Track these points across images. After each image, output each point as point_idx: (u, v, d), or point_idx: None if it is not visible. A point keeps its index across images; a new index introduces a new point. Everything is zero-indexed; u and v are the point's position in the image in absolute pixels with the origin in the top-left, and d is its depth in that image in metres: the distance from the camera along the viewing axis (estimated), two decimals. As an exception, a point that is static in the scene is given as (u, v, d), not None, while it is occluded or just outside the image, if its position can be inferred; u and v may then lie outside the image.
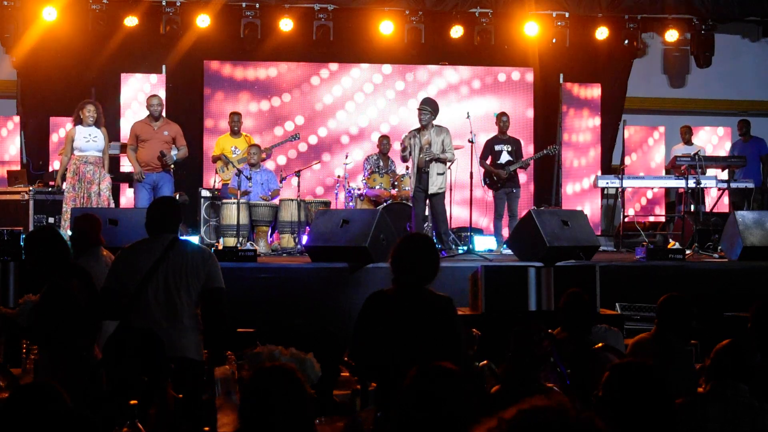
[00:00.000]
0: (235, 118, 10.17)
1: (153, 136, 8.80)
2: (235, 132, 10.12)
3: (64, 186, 8.36)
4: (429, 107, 8.97)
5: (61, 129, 10.91)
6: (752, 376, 3.50)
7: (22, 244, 7.08)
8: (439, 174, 8.83)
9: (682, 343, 4.44)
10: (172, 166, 8.93)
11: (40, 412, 2.50)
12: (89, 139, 8.34)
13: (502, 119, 10.12)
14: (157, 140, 8.81)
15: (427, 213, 9.25)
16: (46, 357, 4.31)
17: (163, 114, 9.12)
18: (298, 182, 9.87)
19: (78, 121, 8.40)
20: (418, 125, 9.07)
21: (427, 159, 8.80)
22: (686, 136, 11.43)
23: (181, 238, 4.51)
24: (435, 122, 8.99)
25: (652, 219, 11.76)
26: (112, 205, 8.52)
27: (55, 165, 10.63)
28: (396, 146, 10.60)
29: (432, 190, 8.80)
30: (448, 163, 8.99)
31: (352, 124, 11.89)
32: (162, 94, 11.11)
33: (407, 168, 10.32)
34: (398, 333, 3.68)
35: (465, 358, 3.79)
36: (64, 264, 4.45)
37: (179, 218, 4.59)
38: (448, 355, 3.46)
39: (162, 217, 4.51)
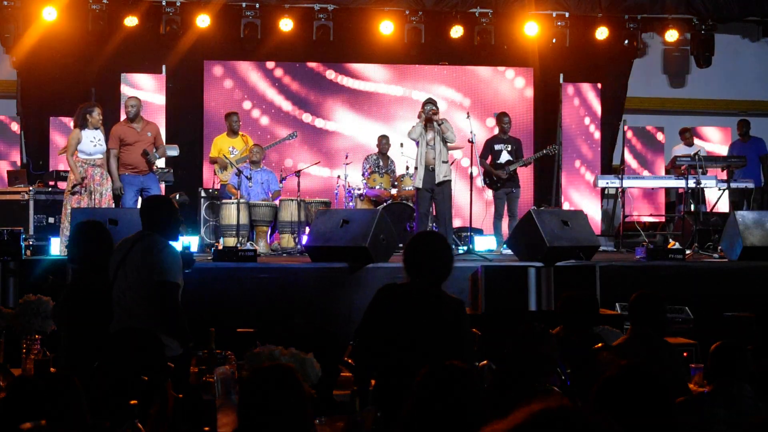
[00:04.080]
0: (234, 118, 10.15)
1: (138, 138, 8.66)
2: (234, 132, 10.11)
3: (70, 188, 8.24)
4: (434, 105, 9.01)
5: (60, 130, 10.92)
6: (751, 376, 3.50)
7: (22, 243, 7.07)
8: (443, 162, 8.83)
9: (659, 338, 4.44)
10: (156, 164, 8.84)
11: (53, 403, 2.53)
12: (95, 143, 8.30)
13: (503, 120, 10.11)
14: (143, 142, 8.68)
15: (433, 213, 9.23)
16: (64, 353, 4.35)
17: (141, 114, 8.95)
18: (298, 182, 9.86)
19: (83, 125, 8.29)
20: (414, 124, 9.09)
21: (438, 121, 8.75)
22: (689, 138, 11.37)
23: (156, 234, 4.53)
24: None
25: (651, 218, 11.75)
26: (112, 206, 8.49)
27: (60, 166, 10.60)
28: (395, 146, 10.60)
29: (438, 179, 8.78)
30: (451, 154, 8.99)
31: (351, 123, 11.89)
32: (162, 93, 11.15)
33: (407, 168, 10.33)
34: (408, 331, 3.67)
35: (471, 361, 3.79)
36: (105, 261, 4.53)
37: (157, 215, 4.59)
38: (454, 357, 3.46)
39: (142, 215, 4.62)
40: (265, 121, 11.74)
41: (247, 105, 11.65)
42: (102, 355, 4.06)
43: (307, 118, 11.81)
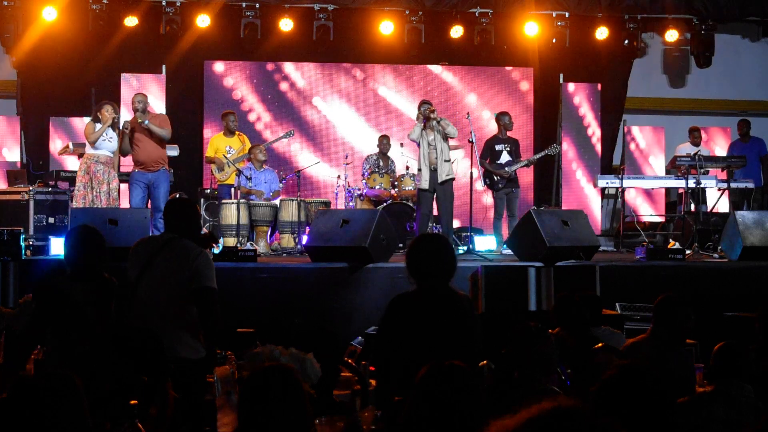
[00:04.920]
0: (231, 118, 10.14)
1: (146, 134, 8.68)
2: (231, 132, 10.11)
3: (76, 184, 8.28)
4: (430, 104, 9.01)
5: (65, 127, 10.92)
6: (753, 376, 3.50)
7: (22, 243, 7.07)
8: (446, 161, 8.83)
9: (678, 344, 4.43)
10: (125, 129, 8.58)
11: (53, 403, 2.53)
12: (105, 139, 8.32)
13: (503, 119, 10.09)
14: (149, 138, 8.69)
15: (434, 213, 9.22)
16: (53, 355, 4.33)
17: (148, 109, 8.93)
18: (298, 182, 9.87)
19: (96, 119, 8.37)
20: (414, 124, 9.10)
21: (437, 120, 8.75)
22: (697, 139, 11.32)
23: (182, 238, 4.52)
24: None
25: (651, 218, 11.75)
26: (117, 205, 8.51)
27: (69, 164, 10.61)
28: (395, 146, 10.60)
29: (441, 178, 8.78)
30: (452, 151, 8.99)
31: (351, 123, 11.89)
32: (162, 93, 11.15)
33: (407, 168, 10.33)
34: (426, 335, 3.67)
35: (481, 354, 3.80)
36: (104, 263, 4.51)
37: (185, 219, 4.58)
38: (468, 353, 3.46)
39: (167, 218, 4.61)
40: (263, 120, 11.73)
41: (246, 104, 11.64)
42: (101, 355, 4.06)
43: (306, 117, 11.81)
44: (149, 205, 8.67)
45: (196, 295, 4.34)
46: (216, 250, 7.20)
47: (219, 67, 11.74)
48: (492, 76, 12.13)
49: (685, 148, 11.16)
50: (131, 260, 4.47)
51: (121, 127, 8.53)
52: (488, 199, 10.45)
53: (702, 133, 11.52)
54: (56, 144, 10.81)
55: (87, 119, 8.87)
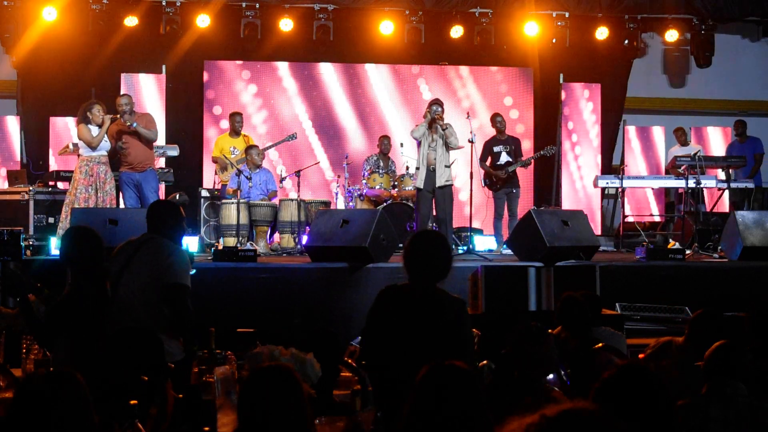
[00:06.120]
0: (237, 119, 10.16)
1: (133, 135, 8.64)
2: (236, 132, 10.12)
3: (76, 187, 8.24)
4: (440, 106, 8.98)
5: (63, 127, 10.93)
6: (747, 375, 3.50)
7: (22, 243, 7.06)
8: (446, 166, 8.81)
9: (688, 352, 4.39)
10: (130, 125, 8.50)
11: (58, 399, 2.53)
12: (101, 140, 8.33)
13: (496, 120, 10.12)
14: (137, 139, 8.65)
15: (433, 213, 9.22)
16: (61, 354, 4.34)
17: (134, 110, 8.88)
18: (298, 182, 9.87)
19: (85, 122, 8.34)
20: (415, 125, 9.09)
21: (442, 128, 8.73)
22: (682, 137, 11.38)
23: (163, 238, 4.50)
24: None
25: (651, 218, 11.75)
26: (114, 205, 8.51)
27: (69, 164, 10.58)
28: (396, 146, 10.60)
29: (440, 182, 8.77)
30: (453, 158, 8.98)
31: (351, 124, 11.88)
32: (162, 93, 11.16)
33: (407, 168, 10.33)
34: (408, 331, 3.68)
35: (472, 362, 3.80)
36: (100, 264, 4.49)
37: (164, 220, 4.58)
38: (455, 357, 3.46)
39: (149, 219, 4.61)
40: (264, 121, 11.73)
41: (246, 106, 11.63)
42: (101, 355, 4.06)
43: (306, 118, 11.80)
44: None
45: (166, 291, 4.30)
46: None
47: (219, 66, 11.73)
48: (492, 76, 12.13)
49: (677, 150, 11.18)
50: (113, 261, 4.47)
51: (126, 124, 8.50)
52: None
53: (688, 132, 11.55)
54: (56, 144, 10.80)
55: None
